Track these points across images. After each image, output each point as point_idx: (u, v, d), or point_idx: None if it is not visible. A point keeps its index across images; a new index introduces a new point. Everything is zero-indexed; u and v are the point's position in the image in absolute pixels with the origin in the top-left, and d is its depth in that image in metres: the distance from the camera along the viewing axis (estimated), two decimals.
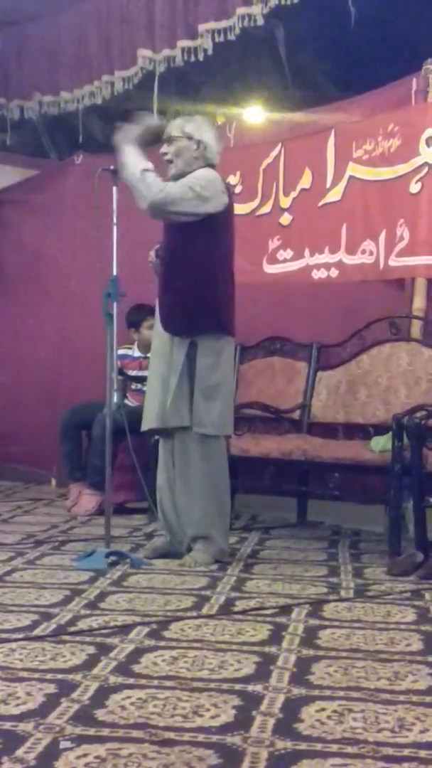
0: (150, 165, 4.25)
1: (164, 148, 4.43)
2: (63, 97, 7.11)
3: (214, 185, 4.33)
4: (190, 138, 4.39)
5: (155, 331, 4.52)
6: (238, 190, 5.86)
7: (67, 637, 3.14)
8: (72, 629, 3.24)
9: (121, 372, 5.80)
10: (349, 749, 2.24)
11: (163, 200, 4.23)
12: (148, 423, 4.47)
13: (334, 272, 5.47)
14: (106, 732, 2.32)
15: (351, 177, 5.41)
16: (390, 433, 4.45)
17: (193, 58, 6.10)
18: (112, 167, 4.48)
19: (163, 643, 3.09)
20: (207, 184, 4.30)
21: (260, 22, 5.76)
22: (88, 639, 3.13)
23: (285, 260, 5.76)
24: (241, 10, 5.74)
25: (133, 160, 4.26)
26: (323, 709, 2.50)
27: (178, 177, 4.35)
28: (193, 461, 4.36)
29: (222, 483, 4.44)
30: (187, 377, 4.31)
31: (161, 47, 6.22)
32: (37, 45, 7.24)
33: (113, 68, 6.62)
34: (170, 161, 4.40)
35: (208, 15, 5.94)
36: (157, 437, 4.66)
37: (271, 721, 2.41)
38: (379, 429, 4.87)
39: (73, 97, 7.03)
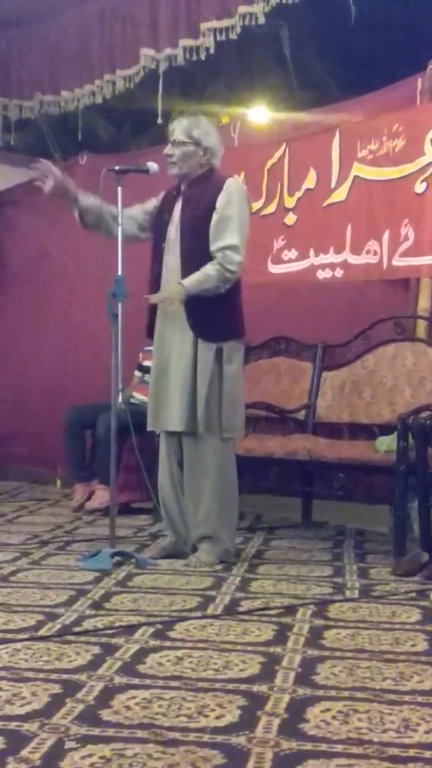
0: (185, 283, 4.29)
1: (169, 149, 4.44)
2: (63, 97, 7.09)
3: (248, 209, 4.49)
4: (197, 144, 4.39)
5: (165, 331, 4.45)
6: None
7: (72, 638, 3.14)
8: (77, 629, 3.24)
9: (140, 367, 5.80)
10: (354, 749, 2.23)
11: (234, 264, 4.28)
12: (164, 424, 4.42)
13: (338, 272, 5.48)
14: (111, 732, 2.32)
15: (356, 177, 5.41)
16: (395, 433, 4.44)
17: (195, 57, 6.10)
18: (116, 168, 4.48)
19: (168, 644, 3.09)
20: (247, 214, 4.42)
21: (261, 20, 5.75)
22: (93, 639, 3.12)
23: (290, 260, 5.76)
24: (242, 9, 5.74)
25: (189, 287, 4.27)
26: (328, 710, 2.49)
27: (181, 177, 4.42)
28: (206, 463, 4.35)
29: (231, 484, 4.45)
30: (209, 382, 4.31)
31: (164, 46, 6.21)
32: (39, 44, 7.23)
33: (115, 67, 6.62)
34: (174, 163, 4.41)
35: (210, 14, 5.94)
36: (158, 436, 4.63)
37: (276, 722, 2.41)
38: (384, 429, 4.86)
39: (74, 96, 7.01)
